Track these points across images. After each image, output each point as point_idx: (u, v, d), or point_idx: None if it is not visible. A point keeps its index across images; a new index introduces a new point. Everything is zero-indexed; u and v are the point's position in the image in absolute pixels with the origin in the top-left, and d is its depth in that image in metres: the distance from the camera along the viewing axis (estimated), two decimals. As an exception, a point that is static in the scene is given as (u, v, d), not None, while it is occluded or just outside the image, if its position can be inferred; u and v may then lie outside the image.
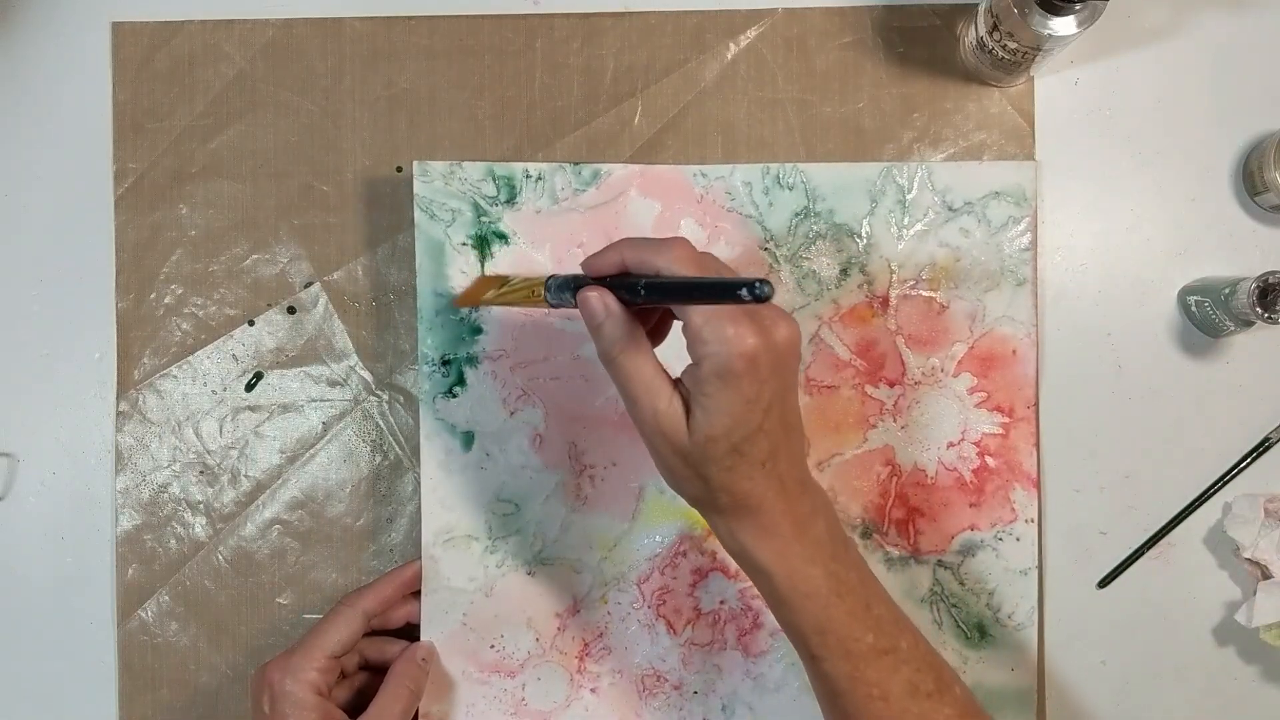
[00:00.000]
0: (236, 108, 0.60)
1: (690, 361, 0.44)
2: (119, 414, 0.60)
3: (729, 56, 0.60)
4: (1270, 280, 0.54)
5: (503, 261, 0.58)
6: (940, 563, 0.58)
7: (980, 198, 0.58)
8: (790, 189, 0.58)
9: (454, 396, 0.58)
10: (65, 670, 0.60)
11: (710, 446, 0.43)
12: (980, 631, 0.58)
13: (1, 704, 0.60)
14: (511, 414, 0.58)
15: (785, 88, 0.60)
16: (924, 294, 0.58)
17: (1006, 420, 0.58)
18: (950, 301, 0.58)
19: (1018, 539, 0.58)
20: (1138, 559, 0.59)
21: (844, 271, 0.58)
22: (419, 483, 0.58)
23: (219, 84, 0.60)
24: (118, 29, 0.60)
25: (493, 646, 0.58)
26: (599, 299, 0.44)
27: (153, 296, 0.60)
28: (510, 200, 0.58)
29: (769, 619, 0.58)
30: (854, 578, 0.46)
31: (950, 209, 0.58)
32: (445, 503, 0.58)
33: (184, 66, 0.60)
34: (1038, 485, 0.58)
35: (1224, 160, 0.60)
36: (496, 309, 0.58)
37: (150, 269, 0.60)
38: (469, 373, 0.58)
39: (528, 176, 0.58)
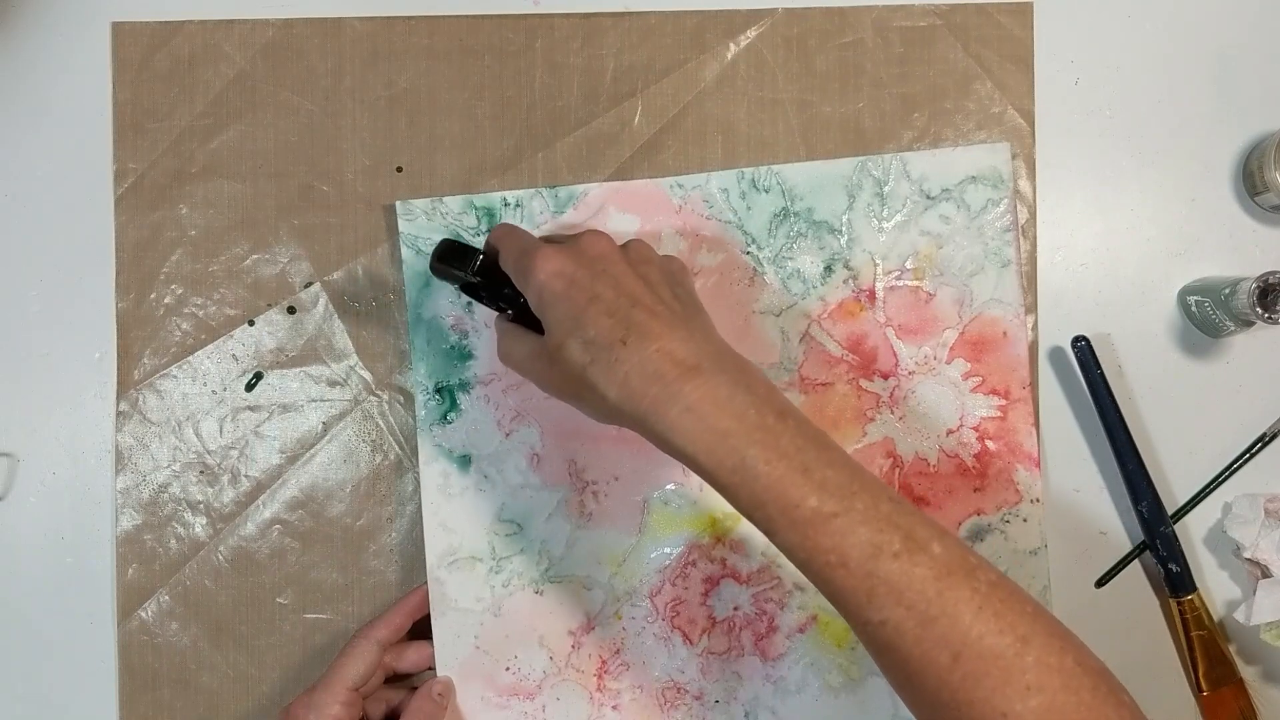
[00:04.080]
0: (236, 108, 0.60)
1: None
2: (119, 414, 0.60)
3: (729, 56, 0.60)
4: (1270, 280, 0.54)
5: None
6: None
7: (957, 183, 0.59)
8: (767, 191, 0.59)
9: (449, 423, 0.58)
10: (65, 670, 0.60)
11: (564, 353, 0.46)
12: None
13: (1, 704, 0.60)
14: (507, 435, 0.58)
15: (785, 88, 0.60)
16: (910, 284, 0.59)
17: (1003, 402, 0.58)
18: (936, 289, 0.59)
19: (1024, 520, 0.58)
20: (1135, 558, 0.59)
21: (828, 268, 0.59)
22: (419, 483, 0.58)
23: (219, 84, 0.60)
24: (118, 29, 0.60)
25: (508, 669, 0.58)
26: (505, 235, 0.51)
27: (153, 296, 0.60)
28: (491, 230, 0.58)
29: (784, 621, 0.58)
30: (788, 443, 0.43)
31: (928, 197, 0.59)
32: (447, 525, 0.58)
33: (184, 66, 0.60)
34: (1039, 464, 0.58)
35: (1224, 160, 0.60)
36: (487, 334, 0.58)
37: (150, 269, 0.60)
38: (462, 398, 0.58)
39: (505, 204, 0.59)
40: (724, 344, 0.47)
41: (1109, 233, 0.60)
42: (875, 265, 0.59)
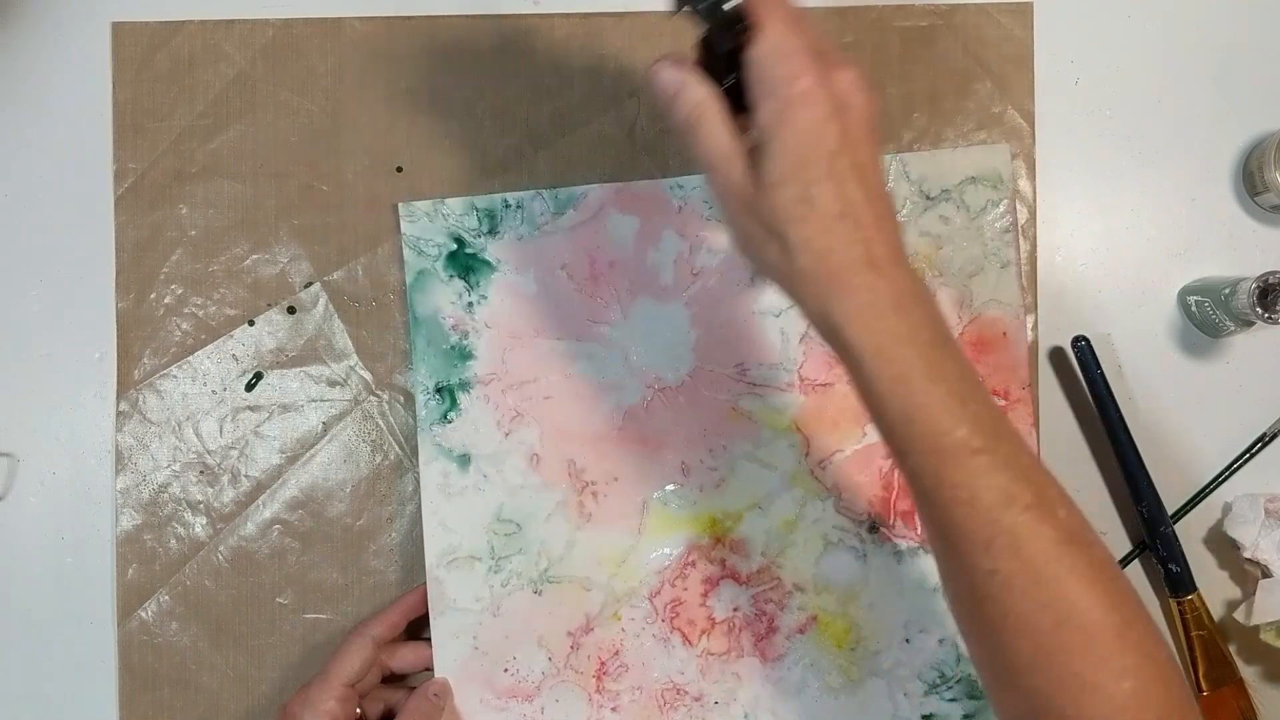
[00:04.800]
0: (236, 108, 0.60)
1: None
2: (119, 414, 0.60)
3: (729, 56, 0.60)
4: (1270, 280, 0.54)
5: (490, 290, 0.58)
6: None
7: (956, 184, 0.59)
8: None
9: (449, 422, 0.58)
10: (65, 670, 0.60)
11: (777, 193, 0.42)
12: None
13: (1, 704, 0.60)
14: (506, 435, 0.58)
15: (785, 88, 0.59)
16: None
17: (1003, 402, 0.59)
18: (936, 290, 0.59)
19: None
20: (1135, 558, 0.59)
21: None
22: (419, 483, 0.58)
23: (219, 84, 0.60)
24: (118, 29, 0.60)
25: (506, 670, 0.58)
26: (673, 69, 0.44)
27: (153, 296, 0.60)
28: (492, 231, 0.59)
29: (784, 622, 0.58)
30: (951, 369, 0.41)
31: (928, 198, 0.59)
32: (446, 524, 0.58)
33: (184, 66, 0.60)
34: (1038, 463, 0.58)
35: (1224, 160, 0.60)
36: (487, 334, 0.58)
37: (150, 269, 0.60)
38: (462, 398, 0.58)
39: (506, 206, 0.59)
40: (904, 251, 0.44)
41: (1109, 233, 0.60)
42: None
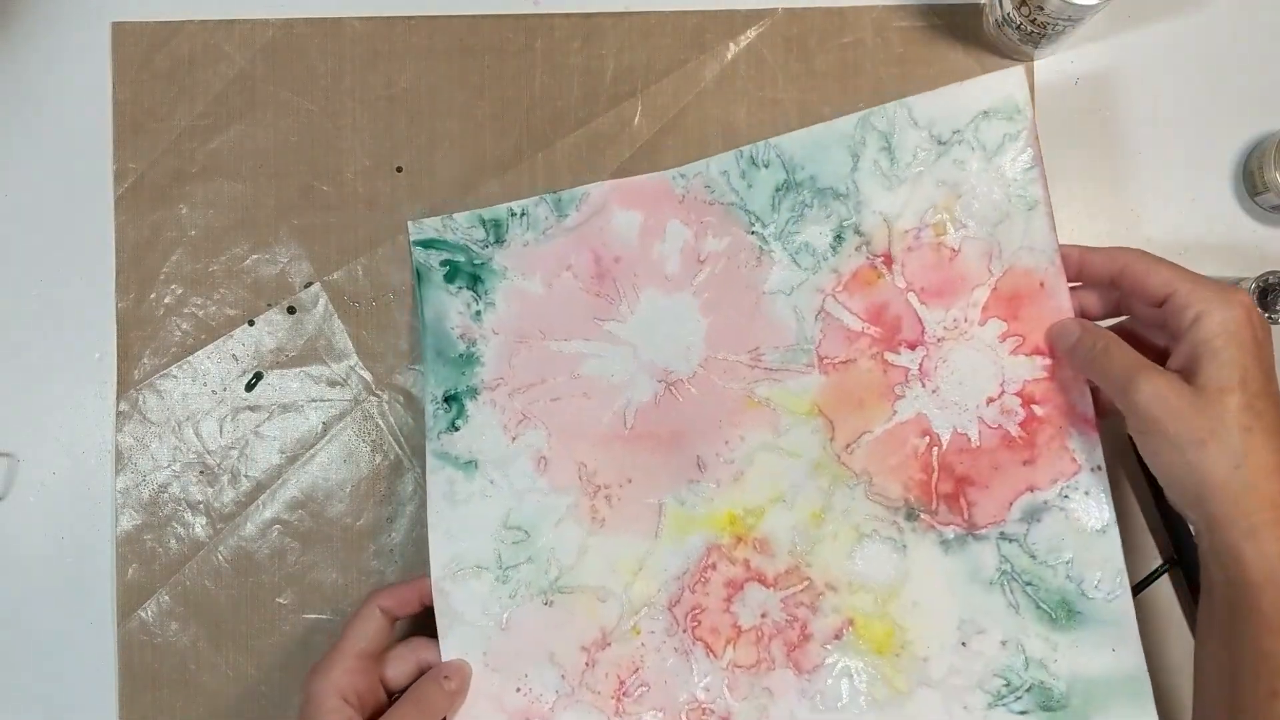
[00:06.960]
0: (236, 108, 0.60)
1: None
2: (119, 414, 0.60)
3: (729, 56, 0.60)
4: (1270, 280, 0.54)
5: (497, 297, 0.57)
6: (1003, 535, 0.52)
7: (968, 122, 0.53)
8: (766, 165, 0.55)
9: (456, 430, 0.56)
10: (65, 670, 0.60)
11: (1224, 398, 0.44)
12: (1066, 610, 0.51)
13: (1, 704, 0.60)
14: (513, 440, 0.56)
15: (785, 88, 0.60)
16: (930, 241, 0.53)
17: (1048, 361, 0.52)
18: (960, 244, 0.53)
19: (1086, 492, 0.51)
20: (1161, 576, 0.58)
21: (838, 237, 0.54)
22: (420, 483, 0.58)
23: (219, 84, 0.60)
24: (118, 29, 0.60)
25: (519, 690, 0.54)
26: (1070, 320, 0.51)
27: (153, 296, 0.60)
28: (499, 240, 0.57)
29: (818, 627, 0.53)
30: None
31: (940, 142, 0.53)
32: (451, 533, 0.55)
33: (184, 66, 0.60)
34: (1098, 427, 0.52)
35: (1224, 160, 0.60)
36: (495, 340, 0.56)
37: (150, 269, 0.60)
38: (469, 404, 0.56)
39: (512, 215, 0.57)
40: None
41: (1109, 233, 0.60)
42: (888, 226, 0.54)
